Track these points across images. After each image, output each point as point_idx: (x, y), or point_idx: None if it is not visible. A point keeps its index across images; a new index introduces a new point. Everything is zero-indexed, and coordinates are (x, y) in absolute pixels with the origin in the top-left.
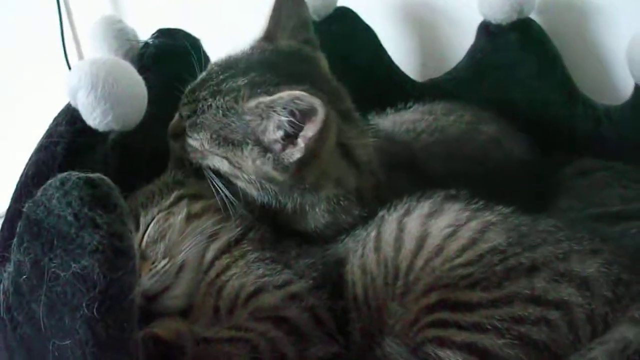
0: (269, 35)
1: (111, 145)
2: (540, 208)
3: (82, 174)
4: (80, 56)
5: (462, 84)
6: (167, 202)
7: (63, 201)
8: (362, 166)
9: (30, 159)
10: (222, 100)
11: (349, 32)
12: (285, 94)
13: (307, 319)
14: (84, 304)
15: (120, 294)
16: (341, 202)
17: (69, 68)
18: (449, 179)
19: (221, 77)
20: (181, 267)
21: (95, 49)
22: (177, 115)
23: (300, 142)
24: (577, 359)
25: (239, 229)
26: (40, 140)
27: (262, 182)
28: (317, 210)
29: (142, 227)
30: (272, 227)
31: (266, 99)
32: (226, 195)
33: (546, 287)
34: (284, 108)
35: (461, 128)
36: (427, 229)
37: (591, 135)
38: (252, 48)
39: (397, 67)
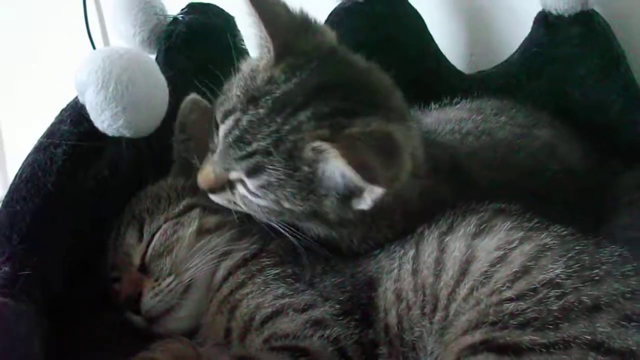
0: (285, 50)
1: (125, 146)
2: (596, 224)
3: None
4: (104, 31)
5: (514, 79)
6: (176, 210)
7: None
8: (419, 171)
9: (26, 159)
10: (285, 147)
11: (394, 14)
12: (340, 163)
13: (330, 354)
14: None
15: None
16: (394, 217)
17: (91, 42)
18: (497, 190)
19: (279, 118)
20: (188, 287)
21: (117, 24)
22: (208, 167)
23: (367, 198)
24: None
25: (255, 246)
26: (40, 139)
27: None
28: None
29: (146, 237)
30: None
31: (322, 146)
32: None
33: (610, 332)
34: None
35: (513, 132)
36: (472, 252)
37: None
38: (287, 72)
39: (443, 56)
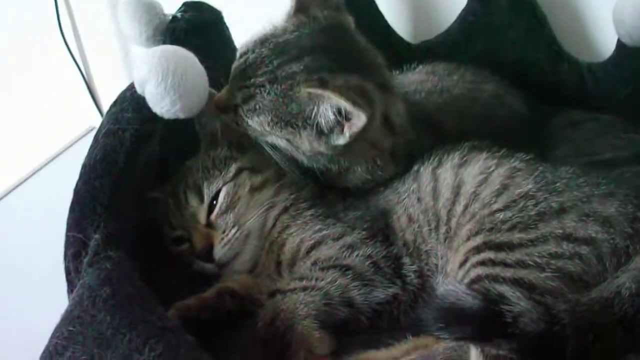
0: (302, 7)
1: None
2: (541, 158)
3: None
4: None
5: (455, 46)
6: (230, 175)
7: None
8: (396, 129)
9: (96, 142)
10: (279, 87)
11: None
12: (335, 99)
13: (368, 267)
14: None
15: None
16: (377, 162)
17: (64, 39)
18: (463, 136)
19: (275, 62)
20: (248, 235)
21: (124, 27)
22: (224, 90)
23: (346, 132)
24: (606, 286)
25: (292, 195)
26: (106, 125)
27: (313, 156)
28: (357, 170)
29: (206, 198)
30: (317, 184)
31: (318, 91)
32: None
33: (575, 226)
34: (332, 106)
35: (465, 87)
36: (460, 178)
37: (575, 91)
38: (295, 26)
39: (393, 30)
